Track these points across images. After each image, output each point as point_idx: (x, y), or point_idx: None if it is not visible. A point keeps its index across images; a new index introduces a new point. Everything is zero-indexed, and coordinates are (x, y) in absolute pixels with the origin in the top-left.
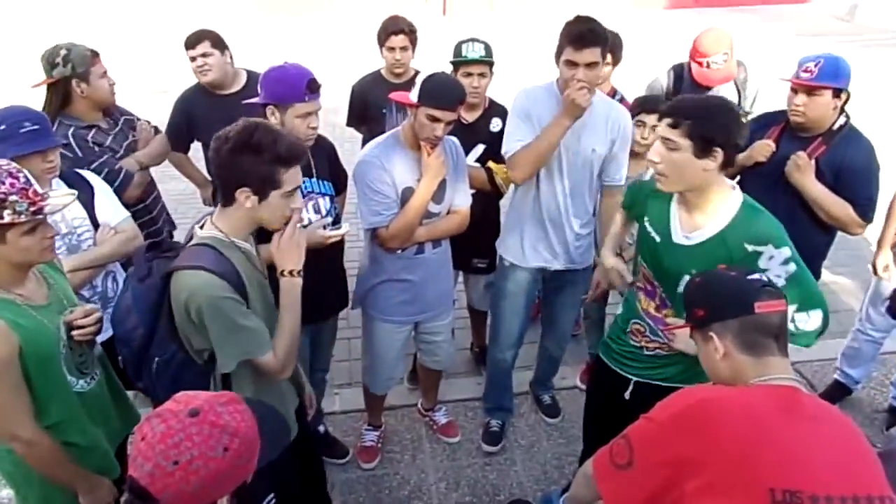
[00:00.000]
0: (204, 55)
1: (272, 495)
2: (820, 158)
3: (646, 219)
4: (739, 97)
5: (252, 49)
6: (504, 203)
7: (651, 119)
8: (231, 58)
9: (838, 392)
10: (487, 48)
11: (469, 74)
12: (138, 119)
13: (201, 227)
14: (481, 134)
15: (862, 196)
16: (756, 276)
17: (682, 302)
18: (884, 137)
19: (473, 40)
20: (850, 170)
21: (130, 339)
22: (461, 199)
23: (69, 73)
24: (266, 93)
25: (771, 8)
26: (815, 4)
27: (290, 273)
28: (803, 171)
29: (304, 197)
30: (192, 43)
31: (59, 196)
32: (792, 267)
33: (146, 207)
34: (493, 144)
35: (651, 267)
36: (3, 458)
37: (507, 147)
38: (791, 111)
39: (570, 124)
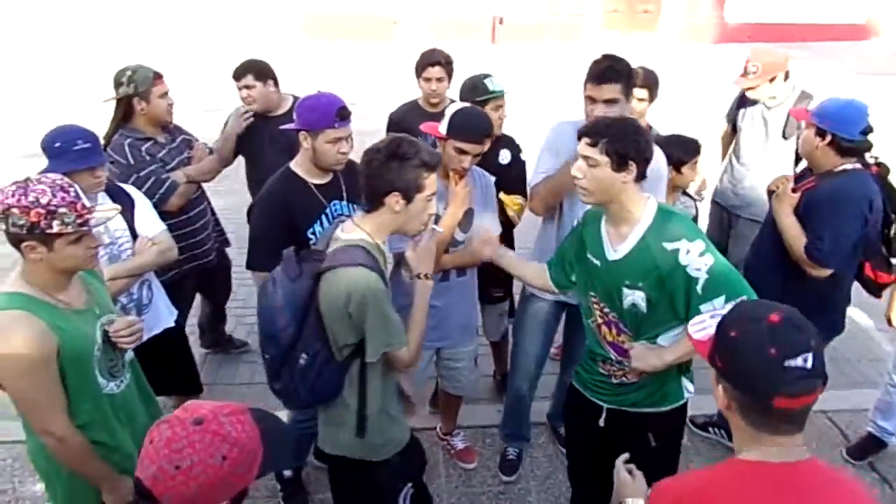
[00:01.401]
0: (247, 87)
1: (409, 485)
2: (805, 194)
3: (587, 252)
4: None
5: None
6: (518, 232)
7: (694, 159)
8: (276, 84)
9: (872, 445)
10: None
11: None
12: (196, 140)
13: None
14: (490, 165)
15: (814, 234)
16: (799, 361)
17: (716, 337)
18: None
19: (489, 76)
20: (816, 207)
21: (280, 337)
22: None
23: (132, 91)
24: (300, 119)
25: (827, 45)
26: (875, 42)
27: (425, 276)
28: (779, 199)
29: (334, 219)
30: (237, 75)
31: (104, 210)
32: (709, 258)
33: (189, 219)
34: (502, 176)
35: (597, 293)
36: (37, 453)
37: (532, 178)
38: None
39: None
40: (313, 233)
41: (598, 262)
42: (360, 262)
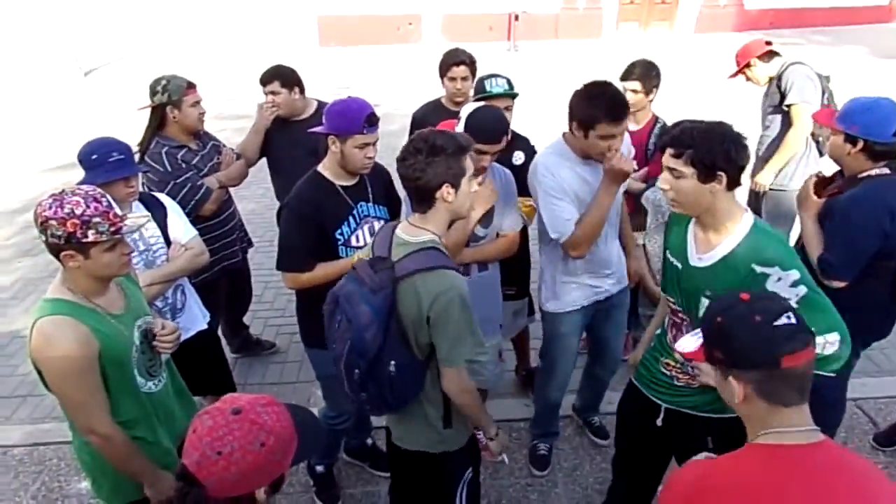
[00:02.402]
0: (273, 93)
1: (470, 469)
2: (830, 200)
3: (668, 251)
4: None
5: (323, 77)
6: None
7: None
8: (301, 91)
9: None
10: (509, 82)
11: None
12: (224, 146)
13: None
14: (504, 166)
15: (826, 245)
16: (784, 319)
17: (703, 334)
18: None
19: (496, 75)
20: (829, 213)
21: (369, 349)
22: (510, 224)
23: (165, 100)
24: (329, 124)
25: (849, 29)
26: None
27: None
28: (805, 203)
29: (360, 220)
30: (264, 81)
31: (135, 217)
32: (802, 290)
33: (220, 222)
34: (517, 176)
35: (674, 295)
36: (82, 450)
37: (560, 230)
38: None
39: (619, 188)
40: (341, 233)
41: (679, 265)
42: (446, 264)
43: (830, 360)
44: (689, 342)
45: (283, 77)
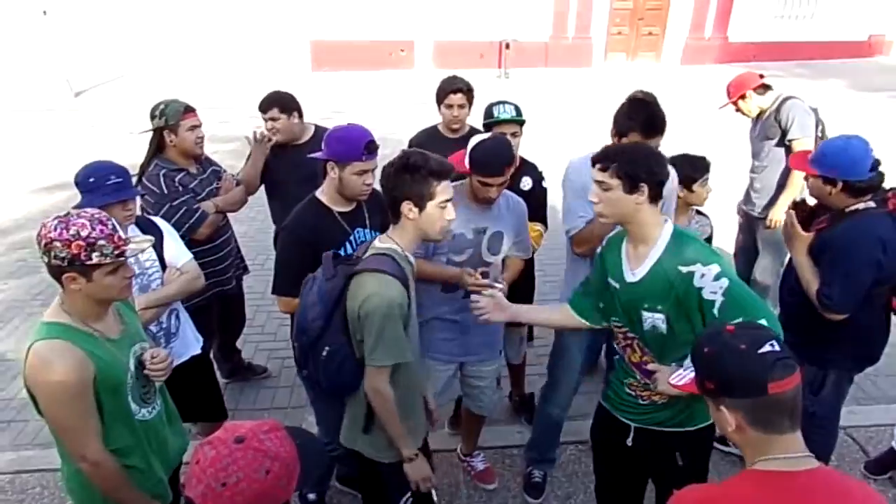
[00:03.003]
0: (272, 119)
1: (409, 494)
2: (820, 233)
3: (608, 277)
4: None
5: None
6: (539, 257)
7: (706, 176)
8: (300, 115)
9: (892, 460)
10: (517, 108)
11: (502, 135)
12: (224, 171)
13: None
14: (513, 192)
15: (823, 280)
16: (767, 347)
17: (694, 366)
18: None
19: (504, 102)
20: (825, 256)
21: (310, 328)
22: (519, 251)
23: (162, 124)
24: (329, 150)
25: (830, 63)
26: (879, 59)
27: None
28: (792, 238)
29: (357, 246)
30: (263, 108)
31: (139, 241)
32: (724, 282)
33: (216, 247)
34: (525, 202)
35: (617, 316)
36: (71, 479)
37: (570, 224)
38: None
39: None
40: None
41: (617, 286)
42: (386, 269)
43: None
44: (681, 378)
45: (282, 103)
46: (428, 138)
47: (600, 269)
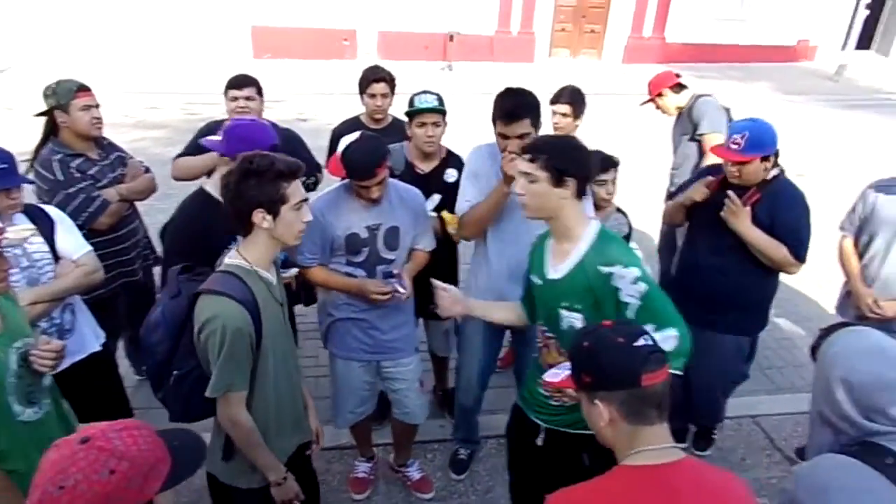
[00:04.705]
0: (248, 98)
1: None
2: (756, 206)
3: (531, 273)
4: None
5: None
6: (462, 249)
7: (610, 175)
8: (263, 107)
9: None
10: (440, 98)
11: (423, 125)
12: (131, 157)
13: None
14: (436, 184)
15: (795, 238)
16: (642, 341)
17: (570, 360)
18: (847, 189)
19: (426, 92)
20: (783, 215)
21: (156, 351)
22: (423, 243)
23: (54, 103)
24: (228, 145)
25: (760, 66)
26: (805, 64)
27: None
28: (738, 216)
29: None
30: (238, 84)
31: (16, 231)
32: (642, 286)
33: (120, 237)
34: (449, 194)
35: (539, 316)
36: None
37: (458, 207)
38: (728, 172)
39: (509, 191)
40: None
41: (539, 282)
42: (227, 291)
43: (672, 357)
44: (557, 374)
45: (258, 85)
46: (350, 129)
47: (528, 266)
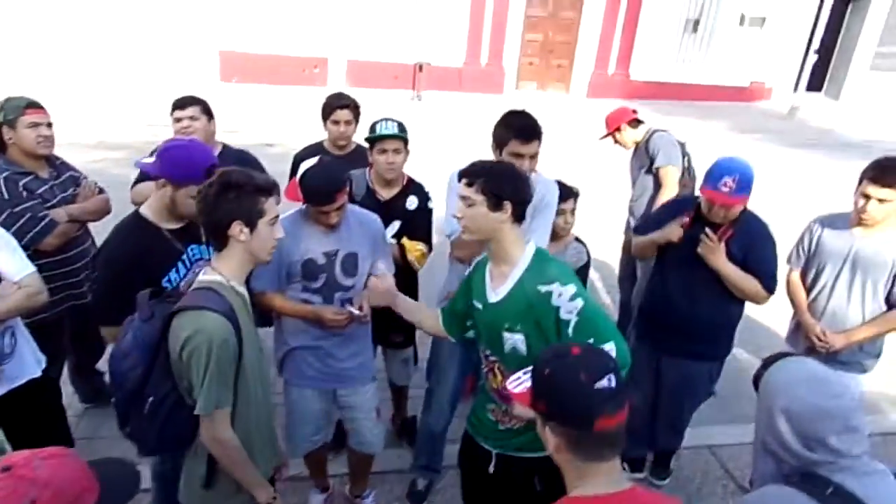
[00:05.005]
0: (192, 118)
1: None
2: (729, 241)
3: (472, 299)
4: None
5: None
6: (422, 276)
7: (569, 205)
8: (215, 128)
9: None
10: (401, 126)
11: (384, 151)
12: (85, 177)
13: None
14: (397, 211)
15: (766, 271)
16: (605, 382)
17: (533, 380)
18: (797, 224)
19: (387, 119)
20: (757, 250)
21: (126, 380)
22: (383, 268)
23: (1, 119)
24: (163, 167)
25: (715, 105)
26: (758, 104)
27: None
28: (715, 253)
29: (192, 264)
30: (182, 104)
31: None
32: (579, 303)
33: (68, 258)
34: (409, 221)
35: (481, 340)
36: None
37: (452, 228)
38: (714, 214)
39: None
40: (168, 280)
41: (480, 306)
42: (207, 305)
43: None
44: (519, 384)
45: (203, 105)
46: (312, 154)
47: (464, 291)
